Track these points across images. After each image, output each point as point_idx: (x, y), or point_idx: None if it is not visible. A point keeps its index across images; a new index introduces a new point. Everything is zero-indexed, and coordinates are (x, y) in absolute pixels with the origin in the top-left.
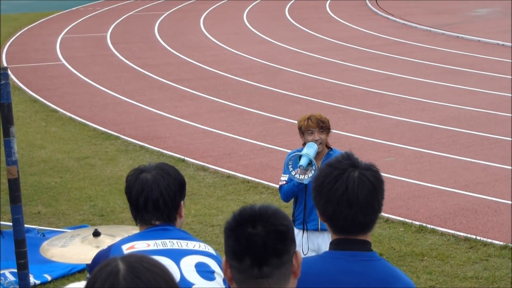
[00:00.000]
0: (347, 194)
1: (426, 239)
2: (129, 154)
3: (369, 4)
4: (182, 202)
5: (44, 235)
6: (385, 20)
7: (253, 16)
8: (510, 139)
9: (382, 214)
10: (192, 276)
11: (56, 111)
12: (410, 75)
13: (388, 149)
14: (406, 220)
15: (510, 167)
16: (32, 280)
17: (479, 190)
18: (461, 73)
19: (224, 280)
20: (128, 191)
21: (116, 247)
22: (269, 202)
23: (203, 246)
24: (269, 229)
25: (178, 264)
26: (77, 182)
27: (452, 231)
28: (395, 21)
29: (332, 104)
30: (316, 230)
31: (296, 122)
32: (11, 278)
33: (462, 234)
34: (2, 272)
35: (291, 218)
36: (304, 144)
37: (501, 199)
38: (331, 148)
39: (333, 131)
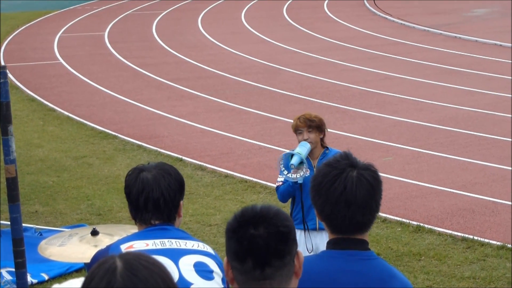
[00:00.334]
0: (345, 194)
1: (424, 239)
2: (127, 153)
3: (367, 4)
4: (181, 202)
5: (41, 234)
6: (383, 20)
7: (251, 15)
8: (508, 139)
9: (380, 214)
10: (190, 275)
11: (54, 110)
12: (408, 75)
13: (386, 149)
14: (404, 220)
15: (507, 167)
16: (29, 279)
17: (477, 190)
18: (459, 73)
19: (222, 280)
20: (128, 190)
21: (114, 246)
22: (267, 201)
23: (201, 246)
24: (271, 231)
25: (176, 263)
26: (75, 181)
27: (450, 231)
28: (393, 21)
29: (331, 104)
30: (314, 229)
31: None
32: (8, 277)
33: (459, 234)
34: None
35: None
36: None
37: (498, 199)
38: (327, 148)
39: (331, 131)
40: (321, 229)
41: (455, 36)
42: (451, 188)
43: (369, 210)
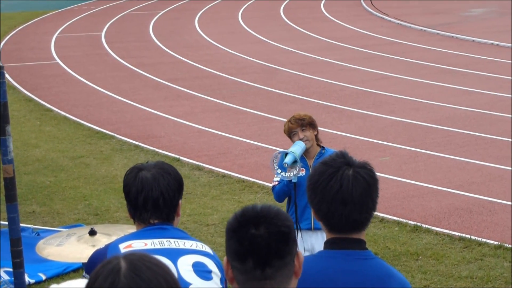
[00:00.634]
0: (341, 192)
1: (421, 239)
2: (124, 153)
3: (364, 4)
4: (180, 202)
5: (38, 234)
6: (380, 20)
7: (248, 15)
8: (505, 138)
9: (377, 213)
10: (189, 275)
11: (51, 110)
12: (405, 75)
13: (383, 148)
14: (401, 219)
15: (505, 167)
16: (26, 279)
17: (474, 190)
18: (456, 73)
19: (221, 280)
20: (127, 189)
21: (113, 246)
22: (264, 201)
23: (200, 246)
24: (272, 231)
25: (175, 263)
26: (72, 181)
27: (447, 231)
28: (390, 21)
29: (327, 103)
30: (309, 229)
31: None
32: (6, 277)
33: (457, 233)
34: None
35: None
36: None
37: (496, 198)
38: (323, 147)
39: (328, 130)
40: (316, 229)
41: (452, 36)
42: (448, 188)
43: (366, 208)
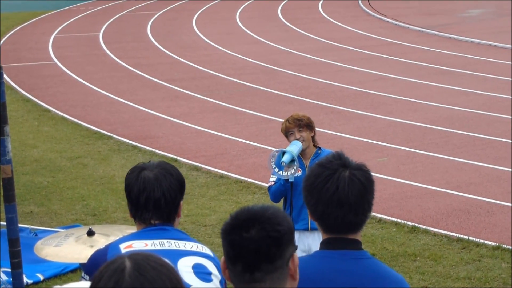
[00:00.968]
0: (337, 194)
1: (419, 240)
2: (121, 153)
3: (362, 5)
4: (181, 202)
5: (36, 235)
6: (377, 20)
7: (246, 16)
8: (502, 139)
9: (375, 214)
10: (189, 277)
11: (49, 111)
12: (402, 75)
13: (380, 149)
14: (399, 220)
15: (502, 168)
16: (24, 279)
17: (472, 190)
18: (453, 73)
19: (221, 282)
20: (129, 188)
21: (113, 246)
22: (262, 202)
23: (200, 247)
24: (262, 235)
25: (175, 265)
26: (70, 182)
27: (445, 232)
28: (387, 21)
29: (325, 104)
30: (306, 229)
31: None
32: (4, 277)
33: (454, 234)
34: None
35: None
36: None
37: (493, 199)
38: (319, 148)
39: (326, 131)
40: (313, 229)
41: (450, 37)
42: (446, 189)
43: (362, 210)
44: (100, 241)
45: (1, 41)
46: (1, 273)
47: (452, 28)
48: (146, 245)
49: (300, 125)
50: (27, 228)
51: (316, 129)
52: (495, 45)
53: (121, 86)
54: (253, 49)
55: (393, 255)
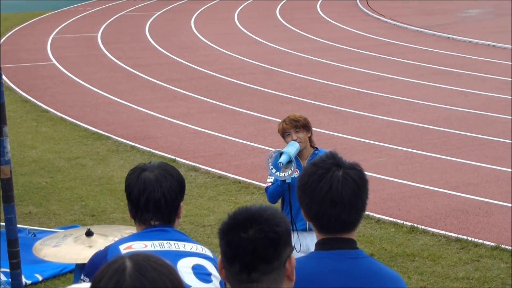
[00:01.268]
0: (331, 193)
1: (417, 240)
2: (120, 154)
3: (360, 5)
4: (181, 203)
5: (35, 235)
6: (376, 21)
7: (244, 16)
8: (502, 140)
9: (374, 214)
10: (189, 278)
11: (47, 111)
12: (401, 75)
13: (379, 149)
14: (397, 220)
15: (501, 168)
16: (23, 280)
17: (470, 191)
18: (452, 74)
19: (220, 283)
20: (129, 189)
21: (113, 247)
22: (260, 202)
23: (200, 248)
24: (260, 235)
25: (175, 266)
26: (68, 182)
27: (443, 232)
28: (386, 22)
29: (323, 104)
30: (304, 230)
31: None
32: (3, 278)
33: (453, 234)
34: None
35: None
36: None
37: (492, 199)
38: (316, 148)
39: (324, 131)
40: (311, 229)
41: (448, 37)
42: (444, 189)
43: (355, 209)
44: (99, 242)
45: (0, 42)
46: (0, 273)
47: (450, 28)
48: (146, 246)
49: (297, 126)
50: (25, 228)
51: (314, 129)
52: (493, 45)
53: (120, 86)
54: (252, 49)
55: (392, 255)
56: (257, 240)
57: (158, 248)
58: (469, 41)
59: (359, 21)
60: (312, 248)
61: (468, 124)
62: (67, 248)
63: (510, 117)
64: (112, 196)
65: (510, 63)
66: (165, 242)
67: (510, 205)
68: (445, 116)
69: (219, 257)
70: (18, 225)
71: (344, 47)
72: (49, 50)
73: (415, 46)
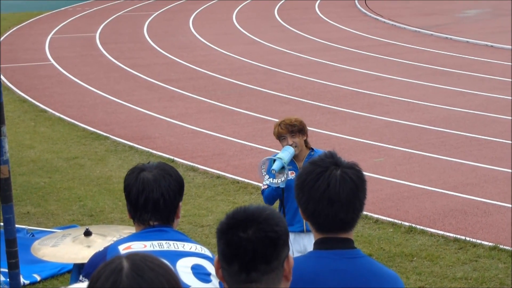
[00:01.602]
0: (328, 192)
1: (416, 240)
2: (118, 154)
3: (358, 5)
4: (180, 203)
5: (33, 235)
6: (374, 21)
7: (243, 16)
8: (500, 140)
9: (372, 214)
10: (188, 278)
11: (45, 111)
12: (399, 76)
13: (377, 150)
14: (396, 220)
15: (499, 168)
16: (21, 280)
17: (468, 191)
18: (450, 74)
19: (220, 283)
20: (128, 189)
21: (112, 247)
22: (259, 202)
23: (199, 248)
24: (259, 235)
25: (174, 265)
26: (66, 182)
27: (442, 232)
28: (384, 22)
29: (321, 104)
30: (302, 231)
31: None
32: (1, 278)
33: (451, 235)
34: None
35: None
36: None
37: (490, 200)
38: (312, 149)
39: (323, 131)
40: (308, 231)
41: (446, 37)
42: (442, 189)
43: (353, 208)
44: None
45: None
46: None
47: (448, 29)
48: (145, 246)
49: (292, 131)
50: (24, 228)
51: (312, 129)
52: (491, 46)
53: (118, 86)
54: (250, 50)
55: (390, 256)
56: (257, 240)
57: (157, 248)
58: (468, 42)
59: (357, 21)
60: (309, 248)
61: (466, 124)
62: (65, 248)
63: (509, 117)
64: (110, 196)
65: (509, 63)
66: (164, 242)
67: (508, 205)
68: (443, 116)
69: (215, 257)
70: (17, 225)
71: (342, 47)
72: (47, 50)
73: (413, 47)
